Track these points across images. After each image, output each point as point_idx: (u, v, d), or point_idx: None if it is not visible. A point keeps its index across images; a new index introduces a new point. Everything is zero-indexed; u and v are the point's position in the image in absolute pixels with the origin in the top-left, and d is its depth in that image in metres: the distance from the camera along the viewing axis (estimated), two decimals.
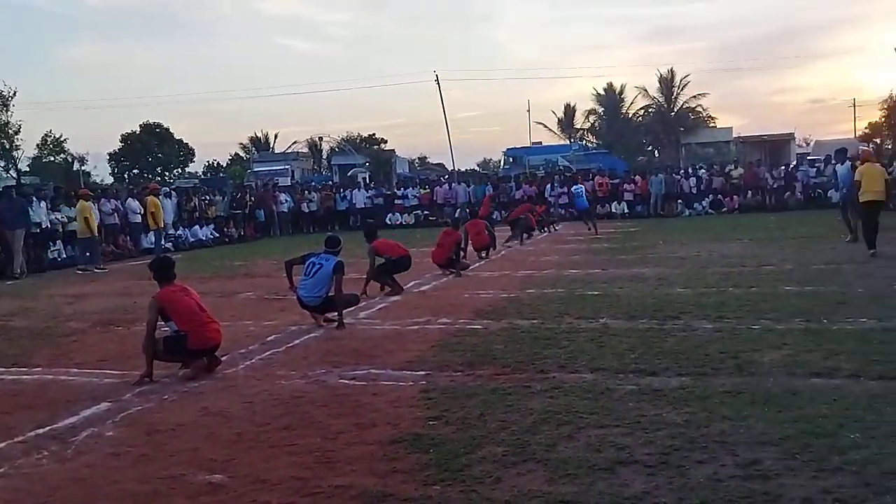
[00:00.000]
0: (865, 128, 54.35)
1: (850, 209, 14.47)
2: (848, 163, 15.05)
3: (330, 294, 8.62)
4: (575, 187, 23.62)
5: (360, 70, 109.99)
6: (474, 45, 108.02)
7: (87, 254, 17.98)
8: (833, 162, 21.17)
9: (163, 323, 6.70)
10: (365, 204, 30.04)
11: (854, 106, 62.95)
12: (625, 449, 4.30)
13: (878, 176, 13.24)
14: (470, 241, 14.94)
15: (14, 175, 48.63)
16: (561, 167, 39.27)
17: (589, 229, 20.46)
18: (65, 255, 19.14)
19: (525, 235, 18.35)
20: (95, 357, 7.66)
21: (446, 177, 36.61)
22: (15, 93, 46.11)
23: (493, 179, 31.95)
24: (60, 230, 19.33)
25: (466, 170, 43.19)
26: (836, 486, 3.68)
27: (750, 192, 27.60)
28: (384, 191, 31.85)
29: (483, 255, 15.39)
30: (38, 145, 56.45)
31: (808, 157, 32.35)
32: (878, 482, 3.70)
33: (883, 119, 50.25)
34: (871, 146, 36.39)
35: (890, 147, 42.49)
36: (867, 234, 12.84)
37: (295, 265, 9.13)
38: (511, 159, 45.32)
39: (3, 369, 7.34)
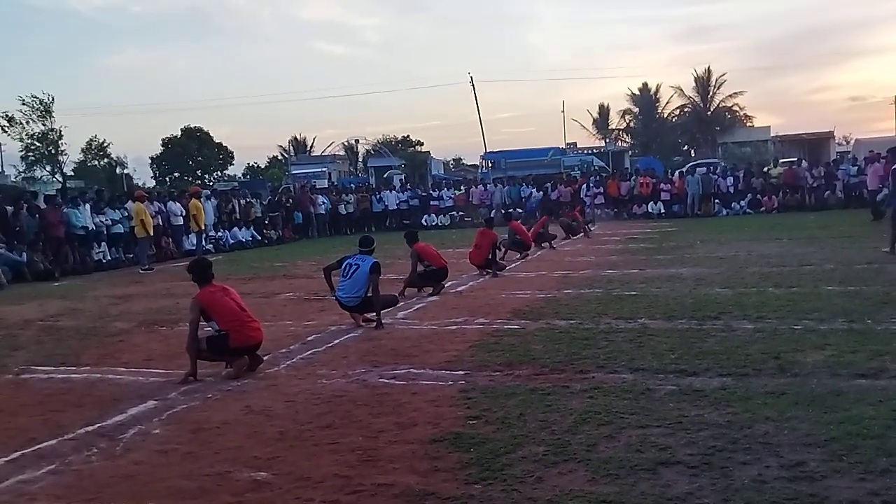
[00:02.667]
0: None
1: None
2: None
3: (368, 294, 8.69)
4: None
5: (396, 73, 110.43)
6: (508, 46, 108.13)
7: (146, 253, 18.59)
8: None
9: (205, 323, 6.83)
10: (398, 205, 30.17)
11: (895, 103, 61.69)
12: (667, 449, 4.28)
13: None
14: (521, 238, 15.67)
15: (60, 179, 49.84)
16: (596, 167, 39.06)
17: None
18: (109, 257, 19.52)
19: (548, 244, 18.03)
20: (141, 356, 7.82)
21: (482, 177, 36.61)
22: (53, 100, 47.60)
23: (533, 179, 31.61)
24: (105, 232, 19.71)
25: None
26: (883, 489, 3.63)
27: (789, 191, 27.16)
28: (420, 192, 31.94)
29: (521, 255, 15.45)
30: (82, 150, 57.73)
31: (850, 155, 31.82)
32: None
33: None
34: None
35: None
36: None
37: (332, 270, 9.24)
38: (490, 163, 45.07)
39: (53, 368, 7.52)
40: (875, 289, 9.19)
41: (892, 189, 13.24)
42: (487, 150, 46.40)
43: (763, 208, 26.75)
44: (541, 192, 28.95)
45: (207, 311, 6.81)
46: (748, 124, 56.05)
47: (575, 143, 54.64)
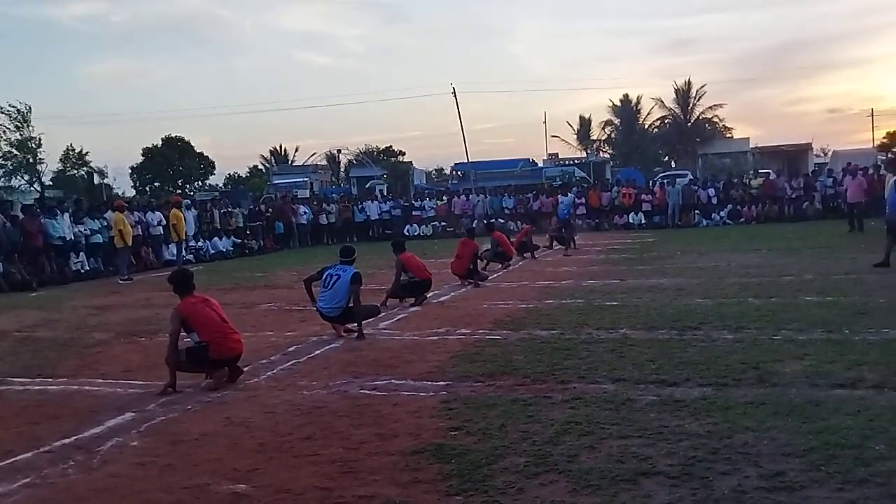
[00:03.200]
0: (884, 137, 54.00)
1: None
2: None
3: (350, 305, 8.67)
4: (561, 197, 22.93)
5: (378, 83, 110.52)
6: (491, 57, 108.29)
7: (126, 263, 18.42)
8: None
9: (185, 334, 6.77)
10: (380, 215, 30.17)
11: (872, 116, 62.61)
12: (647, 460, 4.29)
13: None
14: (503, 248, 15.61)
15: (38, 189, 49.39)
16: (577, 178, 39.22)
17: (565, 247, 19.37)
18: (88, 267, 19.33)
19: (529, 254, 18.03)
20: (119, 367, 7.74)
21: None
22: (30, 109, 47.43)
23: (512, 189, 31.65)
24: (84, 242, 19.52)
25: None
26: (861, 499, 3.66)
27: (768, 202, 27.45)
28: (402, 202, 31.97)
29: (503, 265, 15.47)
30: (61, 159, 57.20)
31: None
32: None
33: None
34: (889, 155, 36.21)
35: None
36: None
37: (313, 282, 9.19)
38: (459, 173, 45.31)
39: (29, 380, 7.43)
40: (853, 299, 9.29)
41: (892, 200, 12.55)
42: (457, 162, 46.63)
43: (742, 219, 27.02)
44: (571, 197, 28.01)
45: (188, 322, 6.74)
46: (728, 136, 56.61)
47: (557, 154, 54.92)
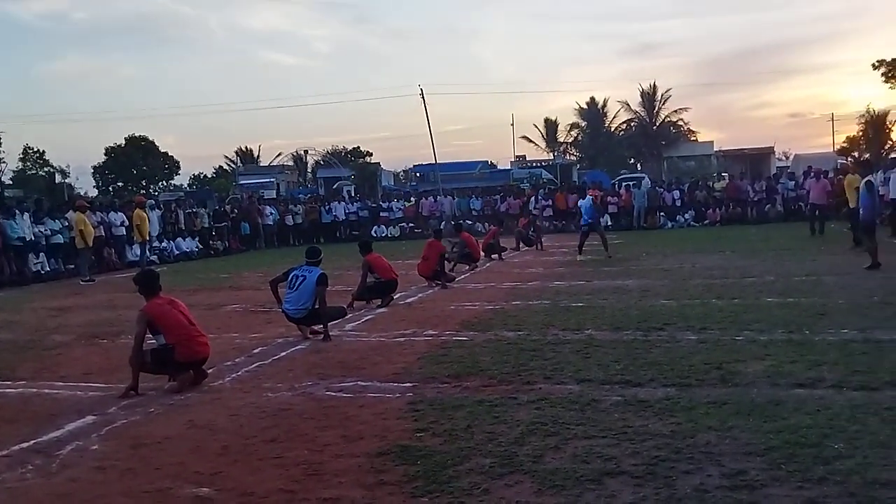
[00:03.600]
0: (843, 141, 55.04)
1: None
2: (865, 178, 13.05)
3: (316, 306, 8.61)
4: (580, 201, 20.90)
5: (346, 84, 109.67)
6: (459, 59, 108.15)
7: (87, 264, 18.11)
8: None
9: (149, 336, 6.67)
10: (347, 216, 30.05)
11: (832, 120, 63.78)
12: (612, 460, 4.32)
13: None
14: (470, 250, 15.69)
15: None
16: (544, 180, 39.40)
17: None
18: (48, 268, 18.99)
19: (497, 255, 18.02)
20: (80, 370, 7.61)
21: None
22: None
23: (478, 190, 31.80)
24: (44, 242, 19.18)
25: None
26: (821, 497, 3.71)
27: (731, 204, 27.85)
28: (369, 203, 31.88)
29: (470, 266, 15.49)
30: (20, 158, 56.22)
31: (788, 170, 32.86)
32: (863, 492, 3.74)
33: (860, 133, 50.96)
34: (849, 160, 36.97)
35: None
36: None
37: (279, 283, 9.11)
38: (419, 175, 45.63)
39: None
40: (813, 300, 9.45)
41: (865, 202, 12.64)
42: (416, 164, 46.79)
43: (707, 221, 27.38)
44: (590, 199, 24.84)
45: (155, 324, 6.64)
46: (692, 139, 57.34)
47: (524, 156, 55.18)
